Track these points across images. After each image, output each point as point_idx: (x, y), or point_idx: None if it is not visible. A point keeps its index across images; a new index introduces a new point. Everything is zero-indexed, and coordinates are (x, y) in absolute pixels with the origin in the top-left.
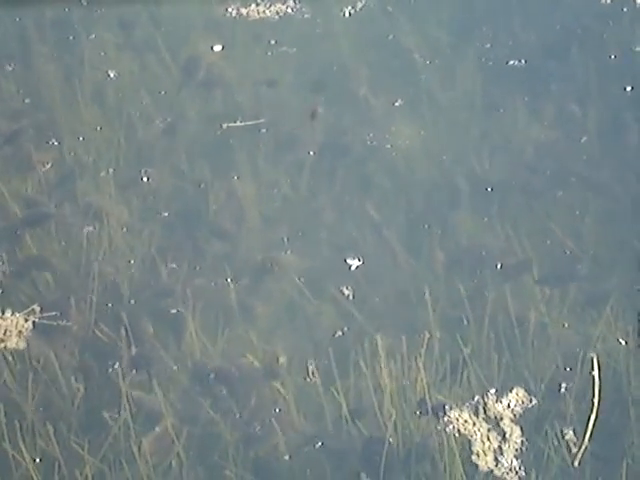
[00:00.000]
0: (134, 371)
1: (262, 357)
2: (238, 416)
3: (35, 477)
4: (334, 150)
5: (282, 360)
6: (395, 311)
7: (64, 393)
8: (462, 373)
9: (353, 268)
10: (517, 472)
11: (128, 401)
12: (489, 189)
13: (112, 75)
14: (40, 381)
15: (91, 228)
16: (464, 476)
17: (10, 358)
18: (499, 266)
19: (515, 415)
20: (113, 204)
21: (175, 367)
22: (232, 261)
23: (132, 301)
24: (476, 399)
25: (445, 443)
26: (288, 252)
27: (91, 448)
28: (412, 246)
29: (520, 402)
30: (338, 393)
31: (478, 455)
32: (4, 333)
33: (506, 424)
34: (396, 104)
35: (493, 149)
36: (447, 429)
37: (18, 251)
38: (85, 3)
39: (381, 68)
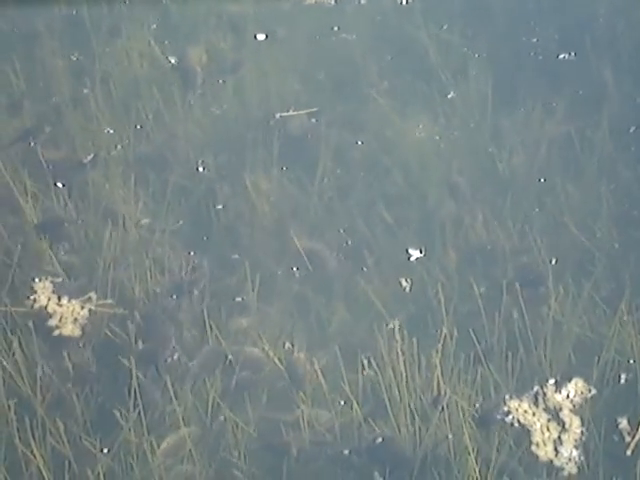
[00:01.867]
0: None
1: (273, 350)
2: (250, 414)
3: (46, 475)
4: (383, 141)
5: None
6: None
7: (75, 391)
8: (477, 371)
9: (365, 269)
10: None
11: (138, 399)
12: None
13: (173, 61)
14: (50, 378)
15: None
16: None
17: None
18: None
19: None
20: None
21: (188, 363)
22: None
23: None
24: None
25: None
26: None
27: (102, 446)
28: (425, 244)
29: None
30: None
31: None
32: (60, 320)
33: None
34: (449, 96)
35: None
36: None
37: None
38: None
39: (431, 60)
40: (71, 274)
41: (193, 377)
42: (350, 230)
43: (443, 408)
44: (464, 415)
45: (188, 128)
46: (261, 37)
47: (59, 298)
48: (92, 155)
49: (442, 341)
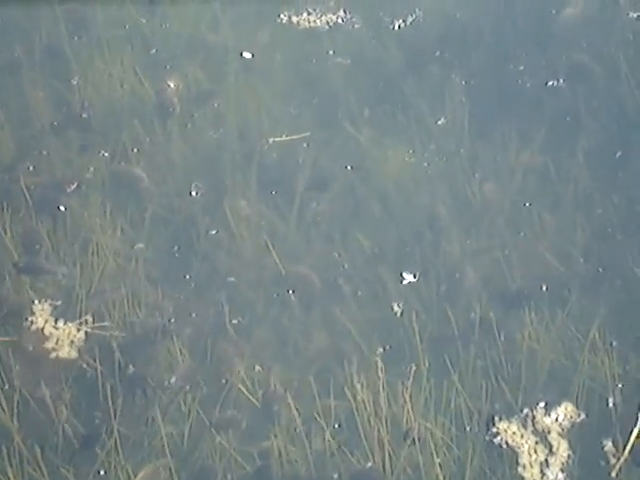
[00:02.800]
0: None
1: (251, 383)
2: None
3: None
4: (373, 165)
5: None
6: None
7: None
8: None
9: (346, 294)
10: None
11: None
12: (472, 212)
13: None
14: (28, 405)
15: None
16: None
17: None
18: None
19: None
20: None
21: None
22: None
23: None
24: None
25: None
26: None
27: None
28: (402, 271)
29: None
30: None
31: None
32: (56, 342)
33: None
34: (439, 122)
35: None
36: None
37: None
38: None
39: (424, 86)
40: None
41: (172, 404)
42: (327, 257)
43: (414, 439)
44: (436, 445)
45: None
46: (253, 60)
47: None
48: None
49: (416, 369)
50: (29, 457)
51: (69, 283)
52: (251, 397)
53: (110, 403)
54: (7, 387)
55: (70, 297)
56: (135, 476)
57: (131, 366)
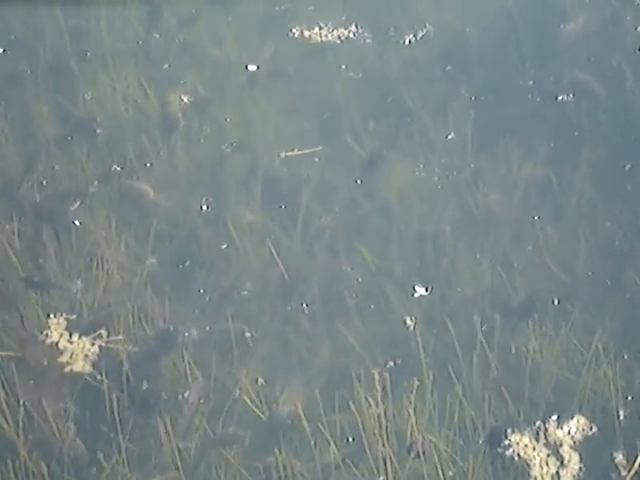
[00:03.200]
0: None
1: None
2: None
3: None
4: (383, 179)
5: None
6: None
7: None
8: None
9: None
10: None
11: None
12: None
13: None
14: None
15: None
16: None
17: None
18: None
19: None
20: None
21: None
22: None
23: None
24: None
25: None
26: None
27: None
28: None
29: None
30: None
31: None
32: (70, 357)
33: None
34: (449, 137)
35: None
36: None
37: None
38: None
39: (434, 100)
40: None
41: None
42: (331, 272)
43: (419, 453)
44: (440, 457)
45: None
46: (264, 74)
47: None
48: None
49: (420, 382)
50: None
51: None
52: (257, 411)
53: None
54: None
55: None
56: None
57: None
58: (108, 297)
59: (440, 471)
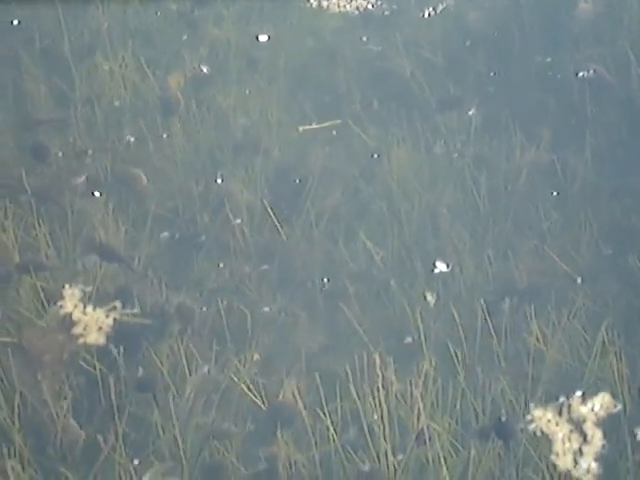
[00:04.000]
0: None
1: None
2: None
3: None
4: (399, 155)
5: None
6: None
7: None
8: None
9: (351, 292)
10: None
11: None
12: (482, 219)
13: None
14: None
15: None
16: None
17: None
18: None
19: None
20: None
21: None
22: None
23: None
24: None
25: None
26: None
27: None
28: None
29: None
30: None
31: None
32: (84, 328)
33: None
34: (469, 113)
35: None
36: None
37: None
38: None
39: (451, 76)
40: None
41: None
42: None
43: (425, 440)
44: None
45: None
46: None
47: None
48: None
49: (423, 369)
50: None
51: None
52: (256, 399)
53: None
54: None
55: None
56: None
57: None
58: None
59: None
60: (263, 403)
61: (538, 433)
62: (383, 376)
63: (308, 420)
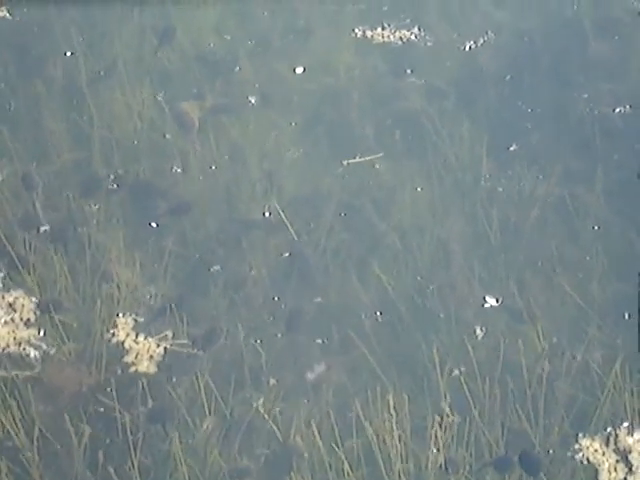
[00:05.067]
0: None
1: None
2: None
3: None
4: (441, 190)
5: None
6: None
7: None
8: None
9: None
10: None
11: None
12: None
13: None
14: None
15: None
16: None
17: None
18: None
19: None
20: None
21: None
22: None
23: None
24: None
25: None
26: None
27: None
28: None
29: None
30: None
31: None
32: (135, 357)
33: None
34: (510, 149)
35: None
36: None
37: None
38: None
39: (494, 110)
40: None
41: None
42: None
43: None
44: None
45: None
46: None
47: None
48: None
49: (437, 404)
50: None
51: None
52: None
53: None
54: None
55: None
56: None
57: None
58: None
59: None
60: (279, 437)
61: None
62: (396, 411)
63: (323, 455)
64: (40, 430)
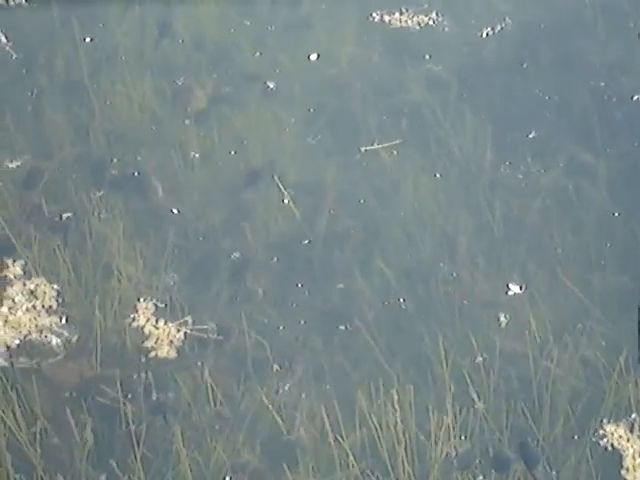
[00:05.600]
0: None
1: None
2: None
3: None
4: (465, 173)
5: None
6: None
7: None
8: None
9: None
10: None
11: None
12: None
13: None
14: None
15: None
16: None
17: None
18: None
19: None
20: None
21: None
22: None
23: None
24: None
25: None
26: None
27: None
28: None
29: None
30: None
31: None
32: (155, 342)
33: None
34: (529, 136)
35: None
36: None
37: None
38: None
39: (510, 98)
40: None
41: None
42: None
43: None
44: None
45: None
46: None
47: None
48: None
49: (440, 396)
50: None
51: None
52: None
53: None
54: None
55: None
56: None
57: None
58: None
59: None
60: (283, 429)
61: None
62: (401, 403)
63: (329, 446)
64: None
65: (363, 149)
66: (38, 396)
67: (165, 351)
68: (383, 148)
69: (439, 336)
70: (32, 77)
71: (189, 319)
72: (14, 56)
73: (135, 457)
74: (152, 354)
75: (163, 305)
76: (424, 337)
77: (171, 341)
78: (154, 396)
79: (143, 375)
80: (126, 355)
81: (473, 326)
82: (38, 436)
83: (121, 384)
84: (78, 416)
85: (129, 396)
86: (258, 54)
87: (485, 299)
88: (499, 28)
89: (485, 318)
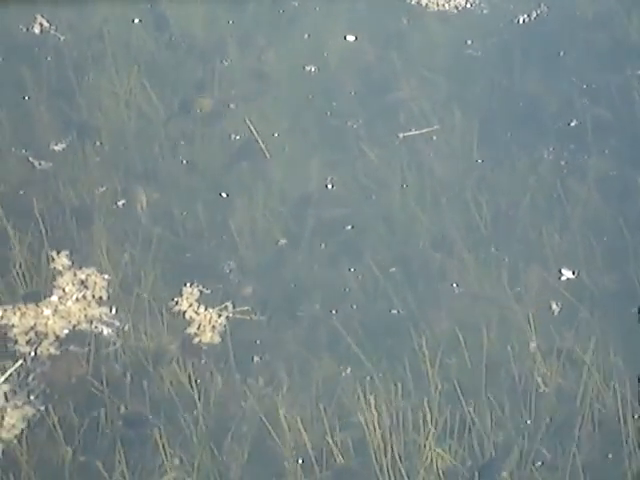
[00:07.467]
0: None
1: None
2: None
3: None
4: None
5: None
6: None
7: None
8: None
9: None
10: None
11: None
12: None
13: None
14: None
15: None
16: None
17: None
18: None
19: None
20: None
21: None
22: None
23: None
24: None
25: None
26: None
27: None
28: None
29: None
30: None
31: None
32: (198, 328)
33: None
34: (571, 124)
35: None
36: None
37: None
38: None
39: (539, 86)
40: None
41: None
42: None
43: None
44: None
45: None
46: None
47: None
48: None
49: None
50: None
51: None
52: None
53: None
54: None
55: None
56: None
57: None
58: None
59: None
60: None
61: None
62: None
63: (315, 446)
64: None
65: (401, 135)
66: None
67: None
68: (422, 134)
69: None
70: None
71: None
72: None
73: None
74: None
75: None
76: None
77: None
78: None
79: None
80: None
81: None
82: None
83: None
84: None
85: None
86: (306, 35)
87: None
88: (535, 15)
89: None
